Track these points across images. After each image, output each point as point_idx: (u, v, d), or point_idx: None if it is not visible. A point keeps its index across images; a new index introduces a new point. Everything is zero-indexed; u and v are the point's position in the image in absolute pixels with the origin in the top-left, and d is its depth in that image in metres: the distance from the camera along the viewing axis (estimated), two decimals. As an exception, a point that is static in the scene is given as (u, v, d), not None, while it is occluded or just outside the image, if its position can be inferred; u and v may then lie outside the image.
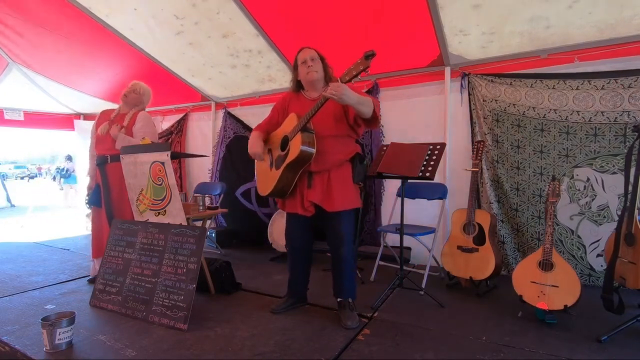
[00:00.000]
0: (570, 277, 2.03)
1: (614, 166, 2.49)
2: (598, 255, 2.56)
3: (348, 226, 2.10)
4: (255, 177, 2.35)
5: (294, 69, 2.17)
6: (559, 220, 2.67)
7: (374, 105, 1.94)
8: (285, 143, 2.07)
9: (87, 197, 2.93)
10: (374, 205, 3.50)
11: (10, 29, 3.60)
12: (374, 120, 1.98)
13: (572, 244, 2.64)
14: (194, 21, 3.11)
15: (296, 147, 1.96)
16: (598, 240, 2.55)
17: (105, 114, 2.95)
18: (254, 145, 2.17)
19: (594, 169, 2.56)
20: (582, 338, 1.92)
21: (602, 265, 2.54)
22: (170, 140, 4.89)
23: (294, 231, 2.26)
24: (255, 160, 2.28)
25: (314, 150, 1.97)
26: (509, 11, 2.48)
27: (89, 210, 2.98)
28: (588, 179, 2.58)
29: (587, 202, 2.59)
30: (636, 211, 1.93)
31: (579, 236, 2.62)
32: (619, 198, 2.48)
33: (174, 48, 3.56)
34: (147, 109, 2.99)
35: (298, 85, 2.20)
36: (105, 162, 2.79)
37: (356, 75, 1.75)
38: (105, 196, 2.77)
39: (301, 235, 2.25)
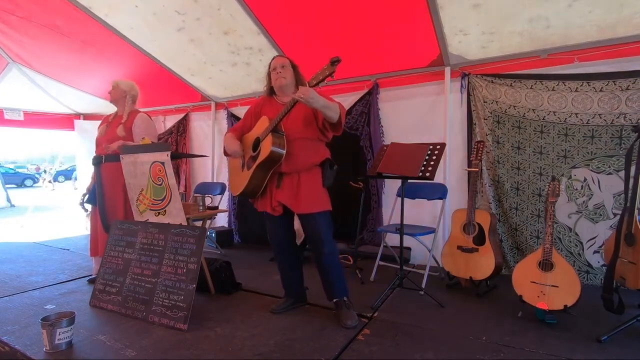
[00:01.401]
0: (570, 277, 2.03)
1: (609, 167, 2.56)
2: (595, 252, 2.61)
3: (325, 226, 2.13)
4: (228, 177, 2.38)
5: (267, 75, 2.26)
6: (557, 219, 2.70)
7: (340, 111, 2.01)
8: (257, 144, 2.13)
9: (82, 197, 2.98)
10: (377, 204, 3.49)
11: (10, 29, 3.59)
12: (338, 125, 2.05)
13: (570, 241, 2.69)
14: (195, 17, 3.11)
15: (267, 147, 2.01)
16: (595, 237, 2.61)
17: (106, 118, 3.02)
18: (231, 144, 2.24)
19: (591, 170, 2.61)
20: (582, 338, 1.92)
21: (599, 262, 2.59)
22: (170, 140, 4.89)
23: (274, 231, 2.28)
24: (228, 162, 2.36)
25: (283, 151, 2.03)
26: (509, 11, 2.48)
27: (89, 210, 3.00)
28: (585, 179, 2.64)
29: (584, 201, 2.65)
30: (636, 211, 1.94)
31: (576, 233, 2.68)
32: (614, 197, 2.55)
33: (174, 45, 3.56)
34: (148, 109, 3.01)
35: (271, 91, 2.28)
36: (100, 162, 2.81)
37: (322, 80, 1.84)
38: (99, 195, 2.80)
39: (282, 234, 2.27)
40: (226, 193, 4.07)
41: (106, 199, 2.80)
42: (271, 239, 2.32)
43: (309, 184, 2.11)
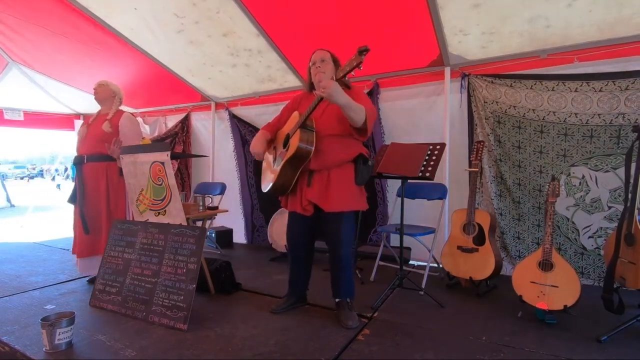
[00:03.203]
0: (570, 277, 2.03)
1: (607, 165, 2.61)
2: (589, 237, 2.72)
3: (348, 227, 2.10)
4: (262, 173, 2.37)
5: (308, 70, 2.21)
6: (556, 211, 2.75)
7: (367, 117, 1.90)
8: (287, 140, 2.10)
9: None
10: (382, 200, 3.51)
11: (10, 29, 3.60)
12: (363, 130, 1.95)
13: (568, 229, 2.80)
14: (194, 20, 3.11)
15: (294, 144, 1.98)
16: (590, 226, 2.72)
17: (85, 120, 3.00)
18: (256, 144, 2.21)
19: (589, 168, 2.67)
20: (582, 338, 1.92)
21: (592, 245, 2.71)
22: (177, 140, 4.90)
23: (295, 230, 2.25)
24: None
25: (312, 148, 1.98)
26: (509, 11, 2.48)
27: None
28: (583, 176, 2.71)
29: (581, 196, 2.73)
30: (636, 211, 1.94)
31: (573, 222, 2.78)
32: (609, 192, 2.62)
33: (174, 47, 3.56)
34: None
35: (311, 86, 2.22)
36: (82, 161, 2.80)
37: (350, 71, 1.75)
38: (79, 195, 2.78)
39: (302, 234, 2.24)
40: (226, 192, 4.06)
41: (87, 199, 2.78)
42: (290, 236, 2.28)
43: (339, 180, 2.04)
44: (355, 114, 1.85)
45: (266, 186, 2.23)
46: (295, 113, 2.13)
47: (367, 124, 1.92)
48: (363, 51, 1.67)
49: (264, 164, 2.33)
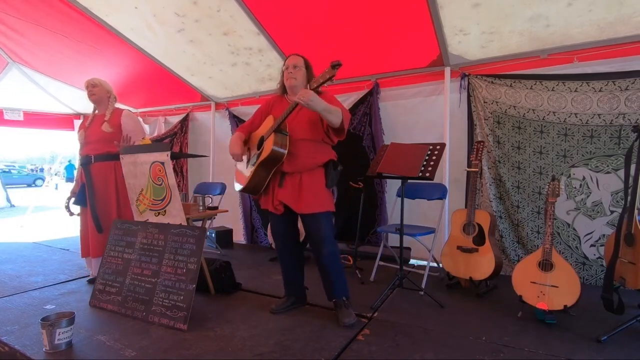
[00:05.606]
0: (570, 277, 2.03)
1: (608, 166, 2.59)
2: (591, 246, 2.68)
3: (327, 227, 2.13)
4: (234, 173, 2.41)
5: (281, 73, 2.27)
6: (556, 215, 2.75)
7: (343, 117, 2.00)
8: (261, 143, 2.15)
9: (67, 200, 2.96)
10: (382, 201, 3.51)
11: (10, 29, 3.60)
12: (341, 130, 2.05)
13: (568, 236, 2.75)
14: (194, 18, 3.11)
15: (268, 146, 2.04)
16: (591, 232, 2.68)
17: (82, 124, 2.99)
18: (234, 146, 2.26)
19: (590, 169, 2.65)
20: (582, 338, 1.92)
21: (594, 254, 2.67)
22: (175, 140, 4.90)
23: (278, 230, 2.29)
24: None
25: (285, 151, 2.04)
26: (509, 10, 2.48)
27: (75, 213, 2.97)
28: (584, 178, 2.68)
29: (582, 199, 2.70)
30: (636, 211, 1.94)
31: (574, 229, 2.74)
32: (611, 195, 2.59)
33: (174, 46, 3.56)
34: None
35: (284, 89, 2.28)
36: (89, 162, 2.79)
37: (323, 83, 1.85)
38: (90, 196, 2.77)
39: (285, 233, 2.27)
40: (226, 192, 4.06)
41: (98, 199, 2.77)
42: (274, 237, 2.33)
43: (311, 184, 2.11)
44: (334, 116, 1.95)
45: (239, 186, 2.28)
46: (270, 117, 2.17)
47: (344, 124, 2.02)
48: (336, 65, 1.77)
49: (239, 165, 2.37)
